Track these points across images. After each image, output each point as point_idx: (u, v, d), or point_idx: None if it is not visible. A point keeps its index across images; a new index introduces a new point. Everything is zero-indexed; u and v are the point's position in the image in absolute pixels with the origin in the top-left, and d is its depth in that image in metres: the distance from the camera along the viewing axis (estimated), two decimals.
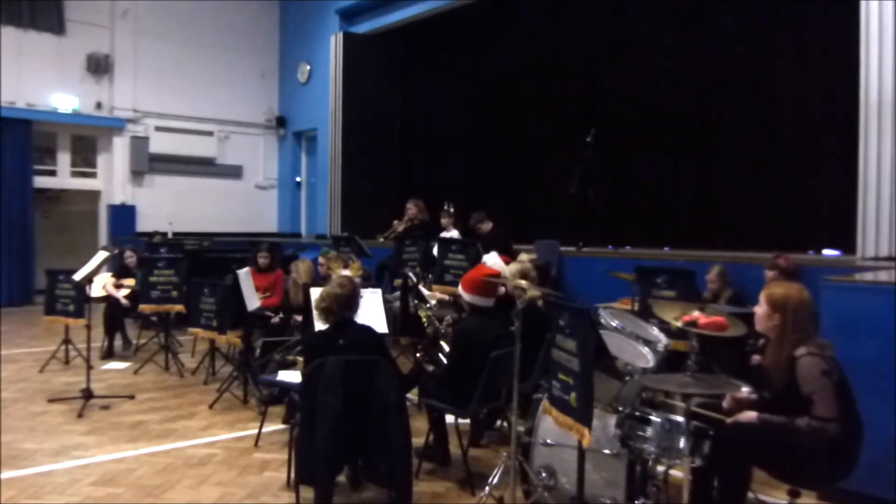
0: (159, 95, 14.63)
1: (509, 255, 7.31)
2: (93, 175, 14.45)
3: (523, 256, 6.38)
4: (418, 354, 5.71)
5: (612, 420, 3.75)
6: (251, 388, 6.55)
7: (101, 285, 8.68)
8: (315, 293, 5.13)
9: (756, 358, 4.29)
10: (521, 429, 4.09)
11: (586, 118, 10.26)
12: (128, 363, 8.20)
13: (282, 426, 5.67)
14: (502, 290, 5.00)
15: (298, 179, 16.40)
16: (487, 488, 4.07)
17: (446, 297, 6.86)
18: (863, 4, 6.79)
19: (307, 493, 4.06)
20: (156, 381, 7.47)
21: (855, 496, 3.93)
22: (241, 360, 6.85)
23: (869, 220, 6.67)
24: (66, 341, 7.96)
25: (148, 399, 6.71)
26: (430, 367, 5.23)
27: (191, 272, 8.08)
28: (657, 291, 6.02)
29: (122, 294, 8.75)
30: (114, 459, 5.05)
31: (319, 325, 4.99)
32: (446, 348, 5.69)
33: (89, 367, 6.44)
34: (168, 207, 14.66)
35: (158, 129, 14.60)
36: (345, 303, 4.19)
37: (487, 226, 8.81)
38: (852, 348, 4.00)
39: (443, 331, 5.75)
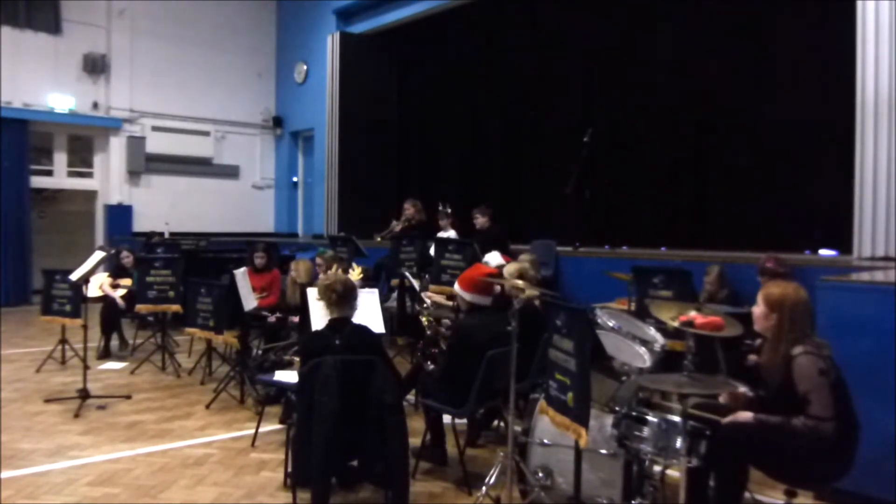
0: (156, 95, 14.61)
1: (506, 255, 7.32)
2: (89, 175, 14.43)
3: (524, 257, 6.38)
4: (419, 353, 5.71)
5: (609, 420, 3.75)
6: (248, 387, 6.55)
7: (98, 285, 8.66)
8: (312, 293, 5.14)
9: (752, 357, 4.29)
10: (518, 429, 4.08)
11: (583, 118, 10.26)
12: (124, 363, 8.19)
13: (279, 426, 5.67)
14: (498, 289, 5.01)
15: (295, 179, 16.40)
16: (484, 488, 4.08)
17: (442, 299, 6.86)
18: (859, 5, 6.80)
19: (304, 492, 4.06)
20: (152, 381, 7.46)
21: (851, 496, 3.93)
22: (238, 360, 6.85)
23: (865, 220, 6.67)
24: (63, 341, 7.96)
25: (144, 399, 6.71)
26: (430, 366, 5.22)
27: (187, 272, 8.08)
28: (654, 291, 6.02)
29: (118, 294, 8.73)
30: (110, 459, 5.04)
31: (316, 325, 5.01)
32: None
33: (86, 367, 6.42)
34: (165, 207, 14.66)
35: (155, 128, 14.59)
36: (347, 292, 4.18)
37: (481, 220, 8.76)
38: (849, 348, 4.00)
39: (443, 331, 5.75)
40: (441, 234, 8.99)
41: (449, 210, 9.48)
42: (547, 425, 3.80)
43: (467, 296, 4.82)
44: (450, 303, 6.60)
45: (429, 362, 5.30)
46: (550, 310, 3.68)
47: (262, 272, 8.09)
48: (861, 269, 5.95)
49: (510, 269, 5.32)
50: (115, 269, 9.15)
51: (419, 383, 5.25)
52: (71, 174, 14.26)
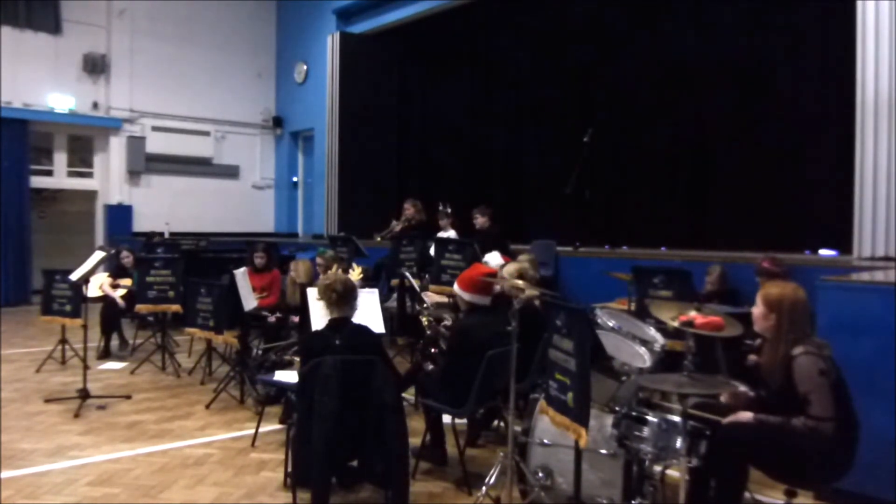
0: (156, 95, 14.61)
1: (506, 255, 7.32)
2: (89, 175, 14.43)
3: (522, 257, 6.38)
4: (419, 353, 5.71)
5: (609, 420, 3.75)
6: (248, 387, 6.55)
7: (98, 285, 8.66)
8: (312, 293, 5.14)
9: (752, 358, 4.29)
10: (518, 429, 4.09)
11: (583, 118, 10.26)
12: (124, 363, 8.19)
13: (279, 426, 5.67)
14: (498, 288, 5.01)
15: (295, 179, 16.40)
16: (484, 488, 4.08)
17: (443, 298, 6.86)
18: (859, 5, 6.79)
19: (304, 492, 4.06)
20: (152, 381, 7.46)
21: (851, 496, 3.94)
22: (238, 360, 6.85)
23: (865, 220, 6.67)
24: (63, 341, 7.95)
25: (144, 399, 6.71)
26: (430, 367, 5.22)
27: (187, 272, 8.07)
28: (654, 291, 6.02)
29: (118, 294, 8.73)
30: (110, 459, 5.04)
31: (316, 325, 5.01)
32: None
33: (86, 367, 6.42)
34: (165, 207, 14.66)
35: (155, 128, 14.59)
36: (347, 292, 4.19)
37: (480, 220, 8.76)
38: (849, 348, 4.00)
39: (443, 331, 5.76)
40: (441, 234, 8.99)
41: (449, 210, 9.48)
42: (547, 425, 3.80)
43: (466, 296, 4.82)
44: (446, 299, 6.60)
45: (428, 363, 5.30)
46: (550, 310, 3.68)
47: (262, 272, 8.09)
48: (861, 269, 5.95)
49: (510, 269, 5.32)
50: (115, 269, 9.15)
51: (418, 383, 5.25)
52: (71, 174, 14.26)
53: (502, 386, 4.46)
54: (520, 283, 4.30)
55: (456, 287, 4.96)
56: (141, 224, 14.29)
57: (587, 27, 10.81)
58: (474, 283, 4.79)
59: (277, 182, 16.59)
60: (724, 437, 3.46)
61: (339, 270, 6.34)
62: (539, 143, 11.50)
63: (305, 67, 15.40)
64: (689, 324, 3.66)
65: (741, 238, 8.39)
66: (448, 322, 5.72)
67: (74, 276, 6.57)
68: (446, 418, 4.81)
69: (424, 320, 5.86)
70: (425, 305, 6.63)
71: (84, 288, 6.58)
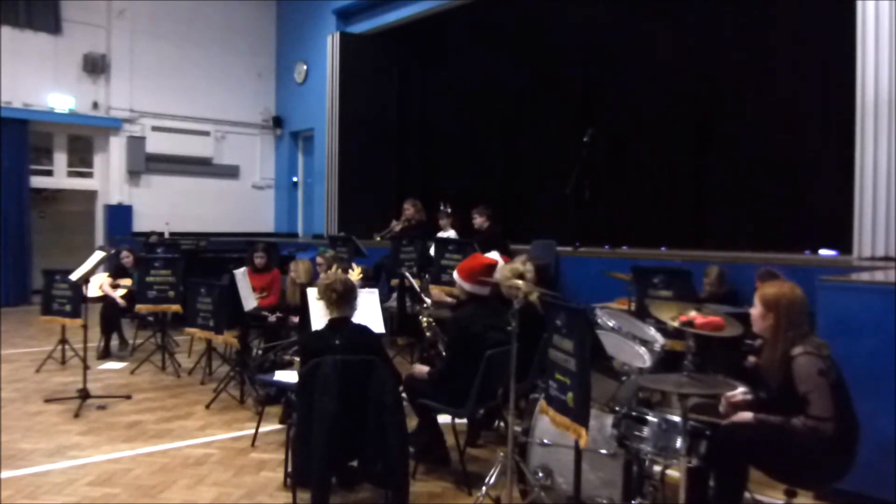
0: (156, 95, 14.61)
1: (506, 255, 7.32)
2: (89, 175, 14.43)
3: (519, 257, 6.37)
4: (421, 358, 5.68)
5: (609, 420, 3.75)
6: (248, 387, 6.55)
7: (98, 285, 8.67)
8: (312, 293, 5.14)
9: (752, 359, 4.29)
10: (518, 429, 4.08)
11: (584, 118, 10.26)
12: (124, 363, 8.20)
13: (279, 426, 5.67)
14: (498, 276, 5.00)
15: (295, 179, 16.40)
16: (484, 488, 4.07)
17: (444, 298, 6.86)
18: (859, 5, 6.79)
19: (304, 492, 4.06)
20: (152, 381, 7.46)
21: (852, 496, 3.94)
22: (238, 360, 6.85)
23: (865, 220, 6.67)
24: (63, 341, 7.95)
25: (144, 399, 6.71)
26: (422, 369, 5.18)
27: (187, 272, 8.08)
28: (654, 291, 6.02)
29: (118, 294, 8.73)
30: (110, 459, 5.05)
31: (316, 325, 5.01)
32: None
33: (86, 367, 6.42)
34: (165, 207, 14.65)
35: (155, 128, 14.59)
36: (347, 292, 4.19)
37: (479, 220, 8.77)
38: (849, 348, 4.00)
39: (440, 334, 5.74)
40: (441, 234, 9.00)
41: (449, 210, 9.49)
42: (547, 425, 3.80)
43: (467, 285, 4.81)
44: (450, 299, 6.59)
45: (423, 366, 5.27)
46: (550, 310, 3.68)
47: (262, 272, 8.10)
48: (861, 269, 5.95)
49: (508, 269, 5.31)
50: (116, 269, 9.15)
51: (405, 384, 5.20)
52: (71, 174, 14.25)
53: (502, 386, 4.45)
54: (520, 283, 4.30)
55: (456, 276, 4.95)
56: (141, 224, 14.28)
57: (588, 27, 10.81)
58: (474, 272, 4.78)
59: (277, 182, 16.59)
60: (723, 436, 3.46)
61: (339, 270, 6.35)
62: (539, 143, 11.50)
63: (305, 67, 15.40)
64: (689, 324, 3.66)
65: (741, 238, 8.39)
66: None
67: (74, 276, 6.57)
68: (446, 418, 4.80)
69: (424, 321, 5.85)
70: (425, 305, 6.63)
71: (84, 288, 6.58)
